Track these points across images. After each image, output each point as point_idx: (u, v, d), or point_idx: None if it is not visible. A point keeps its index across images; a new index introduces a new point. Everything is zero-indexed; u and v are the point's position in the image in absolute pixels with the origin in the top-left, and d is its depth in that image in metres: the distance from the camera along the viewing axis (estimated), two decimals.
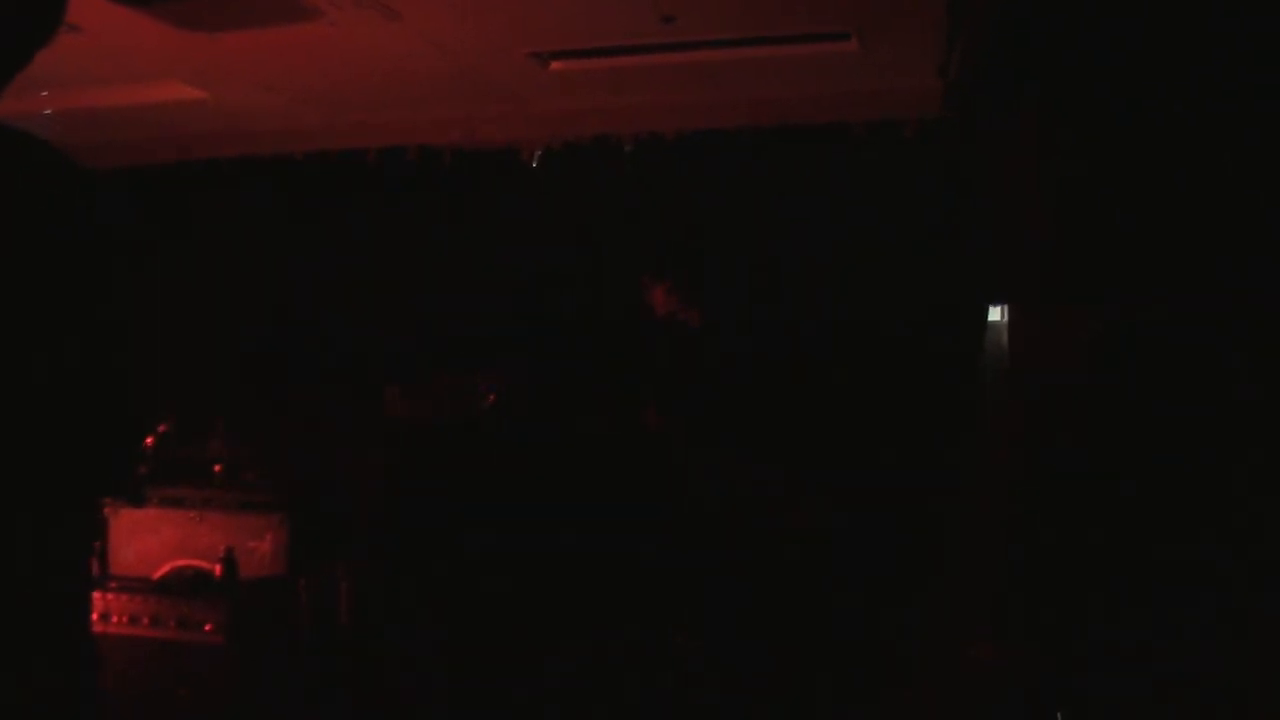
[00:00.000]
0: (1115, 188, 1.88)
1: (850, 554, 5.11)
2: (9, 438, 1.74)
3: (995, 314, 5.58)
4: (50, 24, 1.93)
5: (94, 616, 4.34)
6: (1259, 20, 1.66)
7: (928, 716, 4.29)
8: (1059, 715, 2.14)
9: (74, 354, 1.82)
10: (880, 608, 5.08)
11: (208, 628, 4.69)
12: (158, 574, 4.99)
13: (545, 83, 5.54)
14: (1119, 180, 1.87)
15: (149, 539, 5.07)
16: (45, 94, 5.63)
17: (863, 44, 4.89)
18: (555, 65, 5.28)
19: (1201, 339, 1.81)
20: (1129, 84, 1.83)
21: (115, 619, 4.76)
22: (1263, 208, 1.69)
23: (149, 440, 5.10)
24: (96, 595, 4.73)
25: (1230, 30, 1.69)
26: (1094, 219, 1.92)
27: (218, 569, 4.88)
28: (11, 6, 1.85)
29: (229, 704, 4.62)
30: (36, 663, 1.81)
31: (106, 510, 5.03)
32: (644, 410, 5.48)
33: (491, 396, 5.51)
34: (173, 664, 4.67)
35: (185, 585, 4.87)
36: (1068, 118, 1.84)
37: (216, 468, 5.27)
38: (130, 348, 1.95)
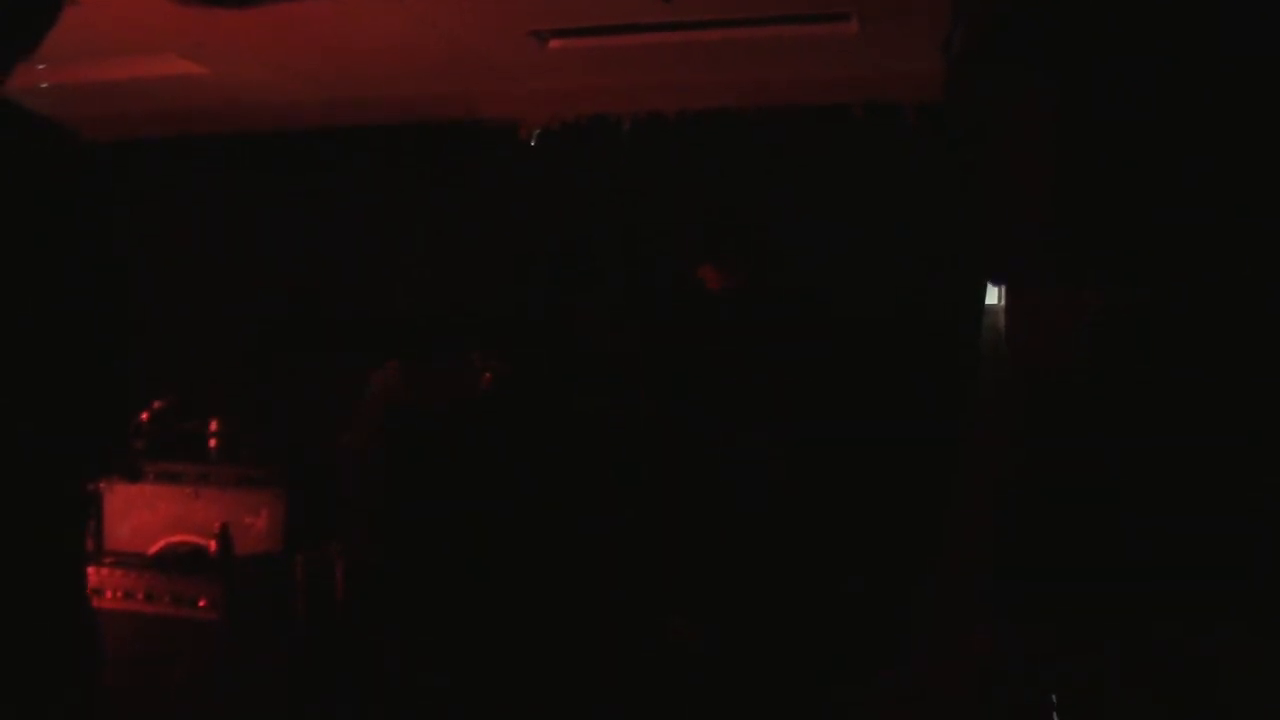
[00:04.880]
0: (1118, 168, 1.87)
1: (847, 538, 5.12)
2: (4, 410, 1.73)
3: (992, 297, 5.58)
4: (53, 12, 1.93)
5: (88, 592, 4.35)
6: (1271, 5, 1.66)
7: (925, 700, 4.30)
8: (1054, 699, 2.15)
9: (71, 327, 1.82)
10: (876, 593, 5.09)
11: (202, 603, 4.70)
12: (153, 549, 4.99)
13: (544, 61, 5.52)
14: (1122, 161, 1.86)
15: (144, 514, 5.07)
16: (43, 67, 5.60)
17: (863, 25, 4.88)
18: (554, 43, 5.26)
19: (1204, 323, 1.81)
20: (1133, 63, 1.82)
21: (110, 594, 4.76)
22: (1267, 190, 1.69)
23: (145, 415, 5.10)
24: (91, 570, 4.73)
25: (1241, 13, 1.68)
26: (1095, 200, 1.91)
27: (213, 545, 4.87)
28: None
29: (223, 680, 4.62)
30: (37, 648, 1.81)
31: (101, 485, 5.02)
32: (641, 392, 5.48)
33: (488, 376, 5.51)
34: (167, 639, 4.67)
35: (180, 561, 4.87)
36: (1071, 96, 1.83)
37: (212, 443, 5.27)
38: (128, 320, 1.94)
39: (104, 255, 1.88)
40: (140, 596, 4.75)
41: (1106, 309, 2.07)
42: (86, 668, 1.93)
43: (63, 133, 1.87)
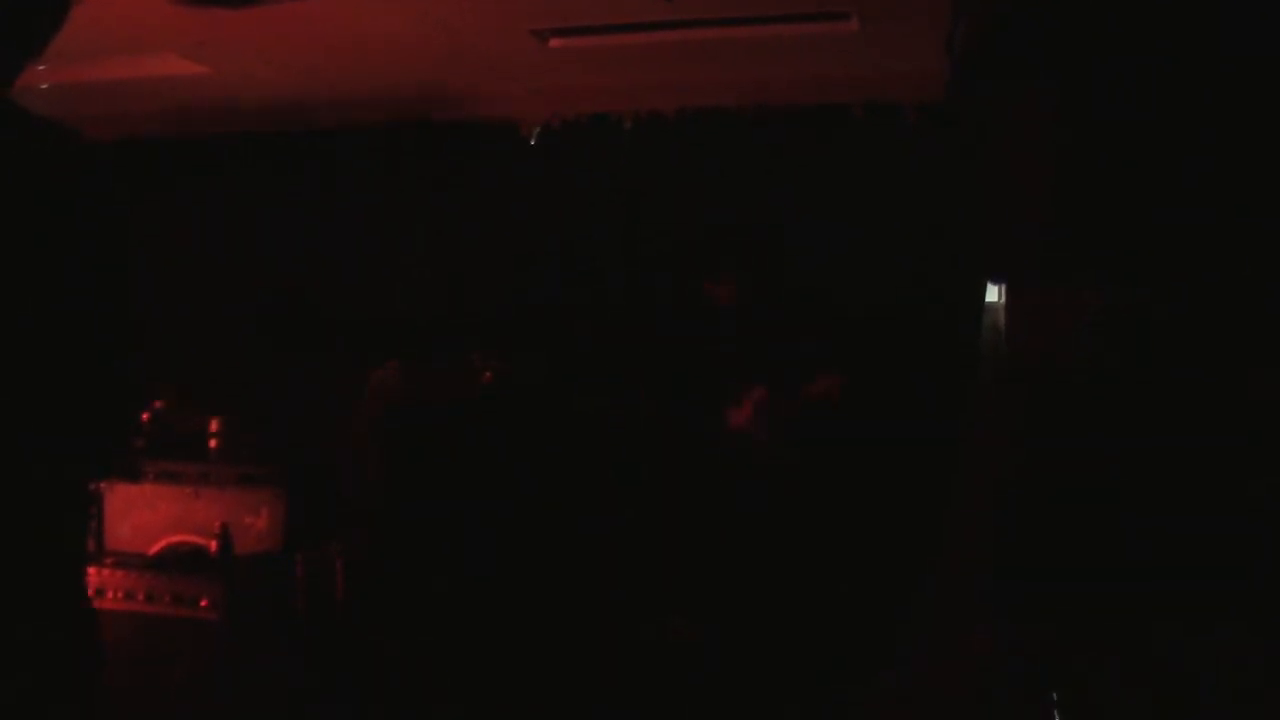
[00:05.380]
0: (1117, 168, 1.87)
1: (847, 536, 5.12)
2: (5, 411, 1.73)
3: (992, 295, 5.58)
4: (60, 14, 1.93)
5: (89, 592, 4.35)
6: (1271, 6, 1.66)
7: (924, 700, 4.30)
8: (1054, 696, 2.15)
9: (71, 327, 1.81)
10: (876, 593, 5.08)
11: (203, 603, 4.69)
12: (153, 549, 4.99)
13: (545, 60, 5.51)
14: (1121, 161, 1.86)
15: (144, 514, 5.07)
16: (42, 68, 5.60)
17: (863, 24, 4.88)
18: (555, 42, 5.25)
19: (1204, 323, 1.81)
20: (1133, 63, 1.82)
21: (110, 595, 4.76)
22: (1267, 190, 1.69)
23: (145, 415, 5.10)
24: (92, 571, 4.73)
25: (1241, 14, 1.68)
26: (1095, 200, 1.91)
27: (213, 545, 4.87)
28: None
29: (224, 680, 4.62)
30: (35, 647, 1.81)
31: (102, 485, 5.02)
32: (641, 392, 5.48)
33: (488, 375, 5.51)
34: (167, 640, 4.67)
35: (180, 561, 4.87)
36: (1072, 96, 1.84)
37: (212, 443, 5.26)
38: (128, 320, 1.94)
39: (104, 255, 1.88)
40: (141, 597, 4.75)
41: (1106, 309, 2.07)
42: (87, 668, 1.93)
43: (63, 132, 1.87)
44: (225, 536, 4.87)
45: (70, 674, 1.88)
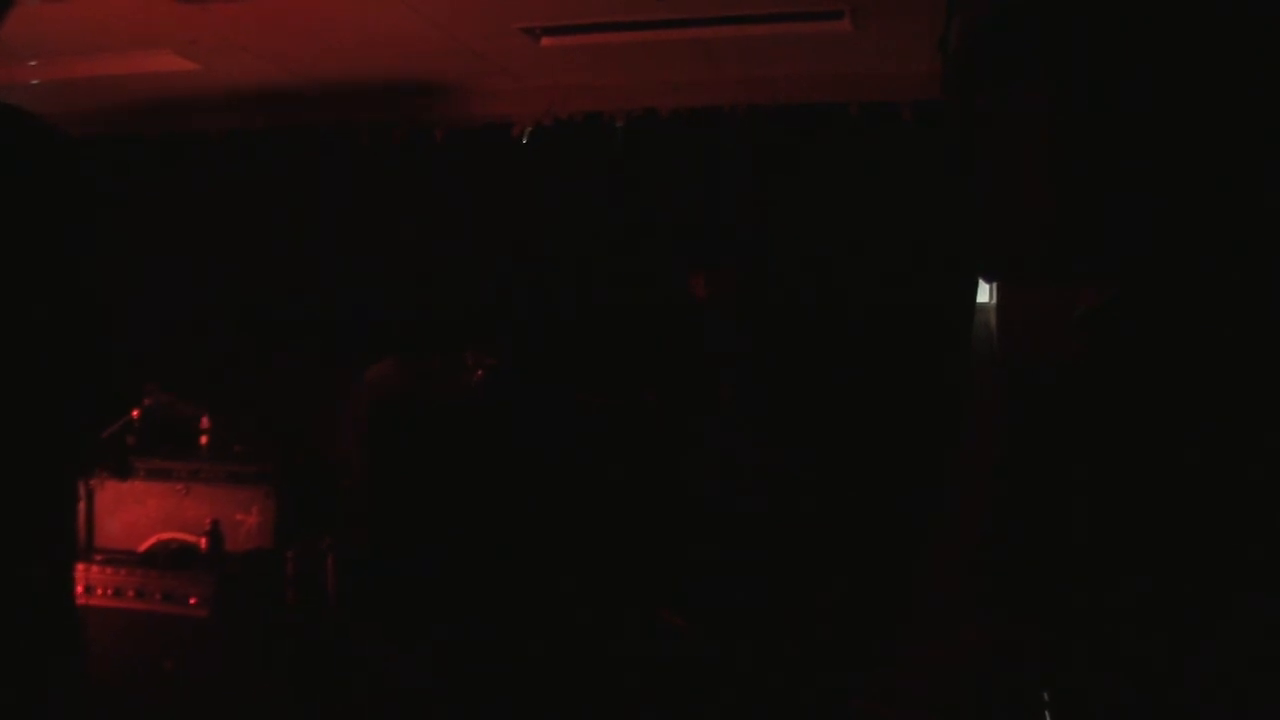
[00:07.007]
0: (1116, 167, 1.87)
1: (841, 534, 5.12)
2: None
3: (984, 295, 5.58)
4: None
5: (79, 589, 4.34)
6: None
7: (922, 699, 4.30)
8: (1045, 696, 2.15)
9: (53, 324, 1.81)
10: (870, 588, 5.09)
11: (192, 601, 4.68)
12: (143, 546, 4.98)
13: (537, 58, 5.51)
14: (1120, 159, 1.86)
15: (135, 511, 5.05)
16: (34, 64, 5.59)
17: (855, 23, 4.88)
18: (547, 40, 5.25)
19: (1201, 321, 1.81)
20: (1131, 59, 1.82)
21: (100, 591, 4.74)
22: (1268, 189, 1.69)
23: (135, 412, 5.08)
24: (81, 567, 4.71)
25: (1241, 10, 1.68)
26: (1092, 198, 1.91)
27: (203, 542, 4.86)
28: None
29: (214, 677, 4.61)
30: (16, 645, 1.80)
31: (92, 482, 5.01)
32: (641, 388, 5.48)
33: (480, 373, 5.50)
34: (157, 637, 4.65)
35: (170, 558, 4.86)
36: (1068, 94, 1.83)
37: (203, 440, 5.25)
38: (113, 317, 1.93)
39: (87, 250, 1.87)
40: (131, 594, 4.73)
41: (1103, 309, 2.07)
42: (70, 666, 1.93)
43: (49, 129, 1.86)
44: (215, 533, 4.86)
45: (55, 670, 1.88)
